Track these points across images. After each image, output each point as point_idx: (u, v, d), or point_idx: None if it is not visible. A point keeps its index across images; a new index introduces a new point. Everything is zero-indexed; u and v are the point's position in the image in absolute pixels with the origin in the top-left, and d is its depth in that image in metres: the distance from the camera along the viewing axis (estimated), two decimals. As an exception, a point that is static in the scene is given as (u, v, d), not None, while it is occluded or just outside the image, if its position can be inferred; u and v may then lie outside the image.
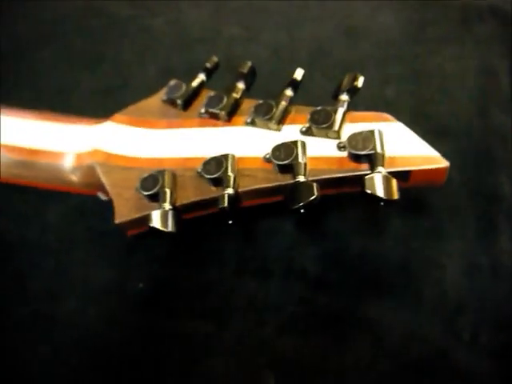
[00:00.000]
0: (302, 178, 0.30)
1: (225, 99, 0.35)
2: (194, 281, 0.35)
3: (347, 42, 0.50)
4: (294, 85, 0.34)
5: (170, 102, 0.38)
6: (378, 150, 0.29)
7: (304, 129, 0.33)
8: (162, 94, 0.39)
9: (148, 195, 0.33)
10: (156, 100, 0.39)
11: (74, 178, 0.37)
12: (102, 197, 0.39)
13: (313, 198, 0.28)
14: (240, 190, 0.31)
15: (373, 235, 0.36)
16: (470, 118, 0.41)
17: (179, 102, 0.37)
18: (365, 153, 0.29)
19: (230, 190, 0.31)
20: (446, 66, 0.46)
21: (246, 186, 0.32)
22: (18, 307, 0.35)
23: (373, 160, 0.29)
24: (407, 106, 0.43)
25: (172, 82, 0.39)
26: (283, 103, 0.34)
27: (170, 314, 0.33)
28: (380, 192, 0.28)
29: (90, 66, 0.50)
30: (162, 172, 0.33)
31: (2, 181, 0.39)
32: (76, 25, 0.52)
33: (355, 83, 0.33)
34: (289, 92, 0.34)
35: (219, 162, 0.32)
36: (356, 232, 0.36)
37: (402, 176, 0.30)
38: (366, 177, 0.28)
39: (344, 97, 0.33)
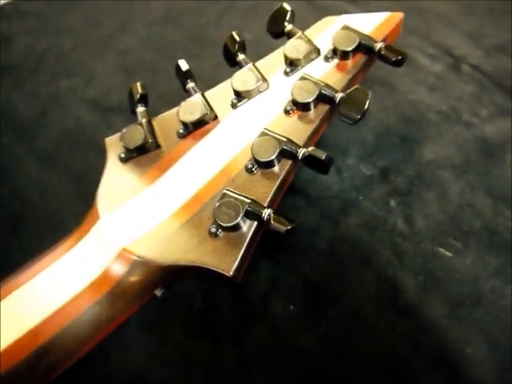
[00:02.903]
0: (340, 94, 0.31)
1: (198, 103, 0.32)
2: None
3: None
4: (242, 47, 0.34)
5: (135, 152, 0.32)
6: (363, 34, 0.32)
7: (288, 69, 0.33)
8: (113, 157, 0.33)
9: (236, 224, 0.28)
10: (114, 167, 0.33)
11: (133, 278, 0.29)
12: (159, 292, 0.31)
13: (370, 95, 0.30)
14: (303, 144, 0.30)
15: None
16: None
17: (150, 142, 0.32)
18: (357, 44, 0.32)
19: (303, 150, 0.29)
20: None
21: (303, 137, 0.31)
22: None
23: (366, 43, 0.32)
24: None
25: (112, 139, 0.33)
26: (249, 65, 0.33)
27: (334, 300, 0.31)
28: (399, 54, 0.31)
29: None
30: (225, 195, 0.29)
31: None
32: None
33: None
34: (242, 56, 0.34)
35: (266, 141, 0.30)
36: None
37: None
38: (383, 52, 0.31)
39: (289, 26, 0.34)
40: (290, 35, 0.34)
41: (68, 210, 0.37)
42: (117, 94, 0.44)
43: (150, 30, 0.50)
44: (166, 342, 0.30)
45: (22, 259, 0.30)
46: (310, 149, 0.29)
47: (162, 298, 0.31)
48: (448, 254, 0.32)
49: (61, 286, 0.29)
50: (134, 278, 0.29)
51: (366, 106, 0.30)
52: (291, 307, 0.31)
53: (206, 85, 0.34)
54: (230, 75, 0.34)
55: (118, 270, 0.29)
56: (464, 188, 0.35)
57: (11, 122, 0.43)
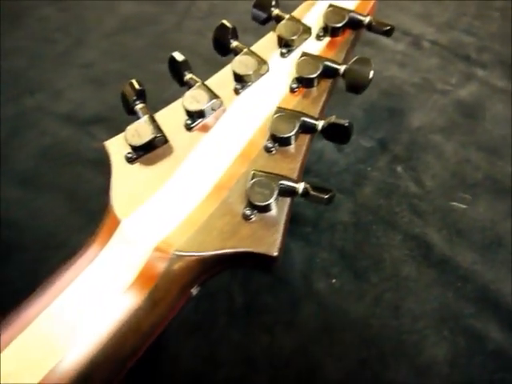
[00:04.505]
0: (343, 66, 0.31)
1: (203, 91, 0.31)
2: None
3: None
4: (235, 34, 0.34)
5: (143, 150, 0.30)
6: (351, 10, 0.34)
7: (284, 50, 0.33)
8: (118, 159, 0.31)
9: (271, 203, 0.27)
10: (122, 169, 0.30)
11: (172, 276, 0.27)
12: (195, 291, 0.29)
13: (372, 64, 0.31)
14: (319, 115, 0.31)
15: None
16: None
17: (159, 137, 0.30)
18: (347, 19, 0.33)
19: (322, 121, 0.29)
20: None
21: (315, 112, 0.31)
22: None
23: (356, 18, 0.34)
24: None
25: (113, 141, 0.31)
26: (246, 50, 0.33)
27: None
28: (387, 25, 0.33)
29: None
30: (255, 175, 0.28)
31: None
32: None
33: None
34: (236, 42, 0.33)
35: (283, 118, 0.30)
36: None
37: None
38: (373, 24, 0.33)
39: (276, 10, 0.35)
40: (278, 19, 0.35)
41: (67, 227, 0.33)
42: (91, 105, 0.41)
43: (110, 40, 0.48)
44: (215, 342, 0.28)
45: (25, 288, 0.26)
46: (332, 118, 0.29)
47: (199, 298, 0.29)
48: (462, 206, 0.34)
49: (90, 300, 0.26)
50: (172, 277, 0.27)
51: (371, 75, 0.31)
52: (333, 281, 0.30)
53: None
54: (207, 73, 0.33)
55: (155, 270, 0.27)
56: (456, 147, 0.38)
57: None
